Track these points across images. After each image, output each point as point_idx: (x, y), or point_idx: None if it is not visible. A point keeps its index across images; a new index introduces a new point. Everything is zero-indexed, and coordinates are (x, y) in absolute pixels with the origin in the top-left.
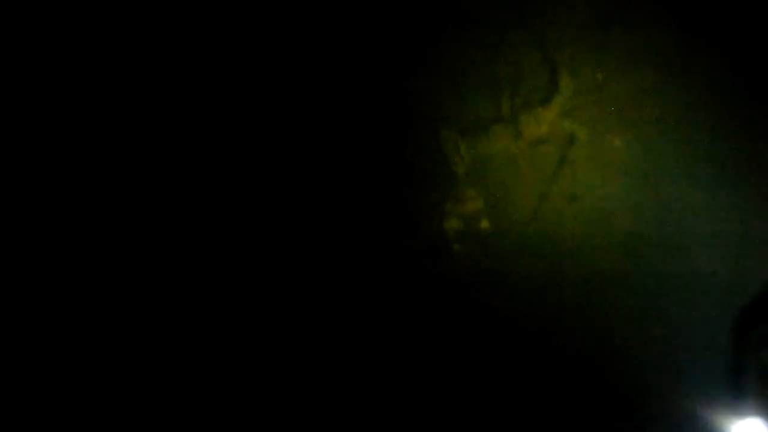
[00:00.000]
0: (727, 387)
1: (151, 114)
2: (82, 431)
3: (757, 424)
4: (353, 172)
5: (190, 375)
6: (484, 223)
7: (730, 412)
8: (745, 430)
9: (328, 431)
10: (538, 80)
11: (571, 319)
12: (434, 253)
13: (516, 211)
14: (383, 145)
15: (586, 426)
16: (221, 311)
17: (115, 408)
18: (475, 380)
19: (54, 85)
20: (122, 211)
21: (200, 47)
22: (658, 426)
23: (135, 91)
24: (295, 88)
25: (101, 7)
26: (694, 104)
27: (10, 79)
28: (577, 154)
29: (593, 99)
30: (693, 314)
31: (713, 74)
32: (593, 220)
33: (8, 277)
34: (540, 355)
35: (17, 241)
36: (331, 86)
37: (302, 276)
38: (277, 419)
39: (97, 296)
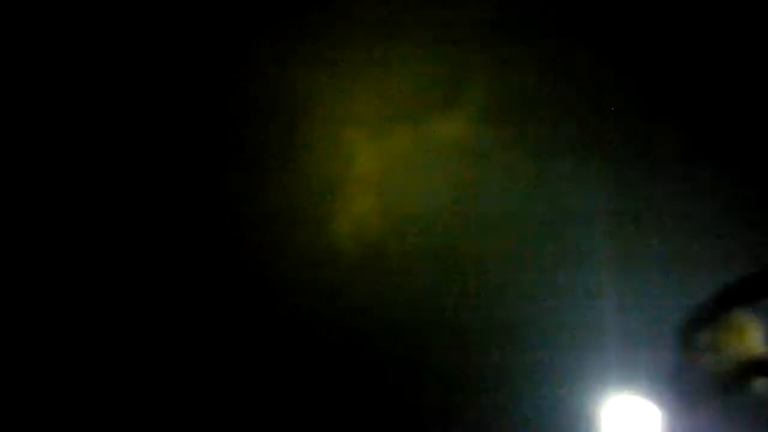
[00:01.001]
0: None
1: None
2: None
3: (631, 400)
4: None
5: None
6: (374, 226)
7: (605, 388)
8: (619, 405)
9: None
10: (448, 84)
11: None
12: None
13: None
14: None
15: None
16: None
17: (114, 408)
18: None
19: (46, 86)
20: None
21: None
22: (537, 402)
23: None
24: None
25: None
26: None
27: (10, 79)
28: (479, 163)
29: (502, 108)
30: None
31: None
32: (487, 229)
33: (8, 277)
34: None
35: (17, 242)
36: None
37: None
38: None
39: (95, 296)
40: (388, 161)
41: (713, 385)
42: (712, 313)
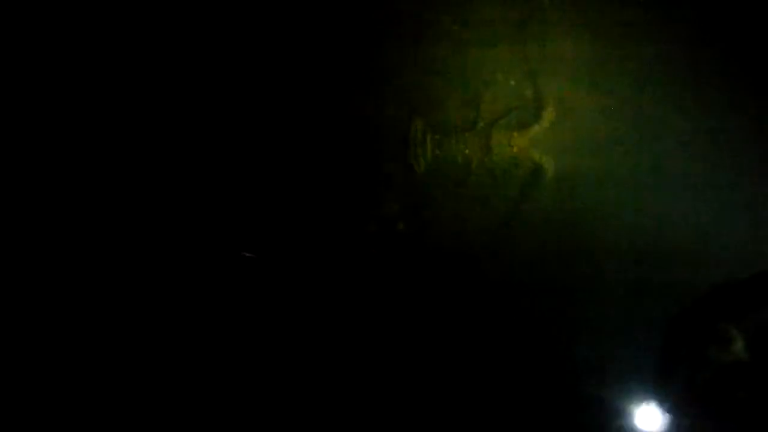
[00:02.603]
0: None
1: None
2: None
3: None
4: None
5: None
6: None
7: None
8: (644, 417)
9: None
10: (521, 102)
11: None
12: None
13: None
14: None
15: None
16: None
17: (113, 408)
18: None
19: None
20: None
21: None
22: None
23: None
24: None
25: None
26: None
27: (10, 80)
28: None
29: (570, 136)
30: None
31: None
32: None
33: (8, 277)
34: (465, 356)
35: (16, 241)
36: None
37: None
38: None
39: (95, 296)
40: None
41: (698, 395)
42: (698, 325)
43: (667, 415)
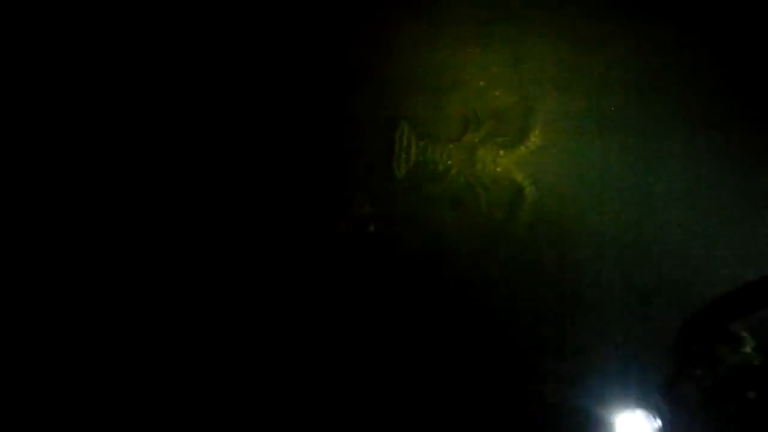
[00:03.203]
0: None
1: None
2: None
3: (641, 416)
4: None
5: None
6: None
7: (616, 405)
8: (629, 422)
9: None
10: (511, 122)
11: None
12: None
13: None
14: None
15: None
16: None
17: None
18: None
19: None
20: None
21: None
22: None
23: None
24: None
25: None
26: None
27: (9, 80)
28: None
29: (557, 161)
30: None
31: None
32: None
33: (7, 277)
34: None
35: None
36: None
37: None
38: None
39: (93, 296)
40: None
41: (708, 396)
42: (708, 326)
43: (665, 418)
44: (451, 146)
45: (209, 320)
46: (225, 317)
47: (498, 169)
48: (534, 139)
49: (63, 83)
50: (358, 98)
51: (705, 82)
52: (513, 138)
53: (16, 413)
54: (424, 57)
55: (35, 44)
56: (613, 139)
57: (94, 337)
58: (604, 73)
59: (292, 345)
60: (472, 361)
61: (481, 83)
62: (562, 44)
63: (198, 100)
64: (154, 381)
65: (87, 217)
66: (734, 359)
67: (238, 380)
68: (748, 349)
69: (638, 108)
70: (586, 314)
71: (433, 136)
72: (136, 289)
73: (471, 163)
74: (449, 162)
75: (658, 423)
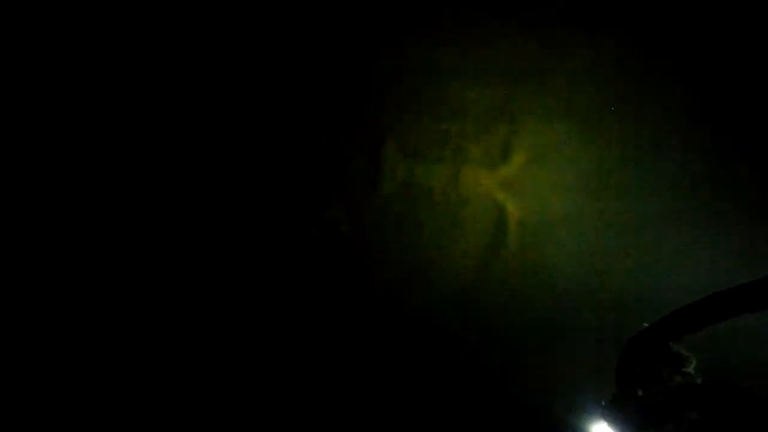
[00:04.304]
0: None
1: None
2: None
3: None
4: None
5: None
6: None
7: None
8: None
9: None
10: (495, 143)
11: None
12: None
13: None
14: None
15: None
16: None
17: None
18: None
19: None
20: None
21: None
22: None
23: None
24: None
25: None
26: None
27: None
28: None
29: (539, 183)
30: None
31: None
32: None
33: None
34: (419, 363)
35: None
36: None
37: None
38: None
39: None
40: None
41: (651, 416)
42: (650, 344)
43: None
44: (435, 165)
45: (183, 316)
46: (202, 312)
47: (481, 189)
48: (517, 160)
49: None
50: (347, 115)
51: (681, 119)
52: (496, 159)
53: (15, 413)
54: (413, 77)
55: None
56: (594, 162)
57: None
58: (588, 99)
59: (257, 338)
60: (443, 371)
61: (468, 105)
62: (549, 71)
63: (189, 104)
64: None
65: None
66: (676, 379)
67: (208, 375)
68: (689, 369)
69: (619, 134)
70: (555, 333)
71: (419, 154)
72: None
73: (454, 182)
74: (434, 182)
75: None
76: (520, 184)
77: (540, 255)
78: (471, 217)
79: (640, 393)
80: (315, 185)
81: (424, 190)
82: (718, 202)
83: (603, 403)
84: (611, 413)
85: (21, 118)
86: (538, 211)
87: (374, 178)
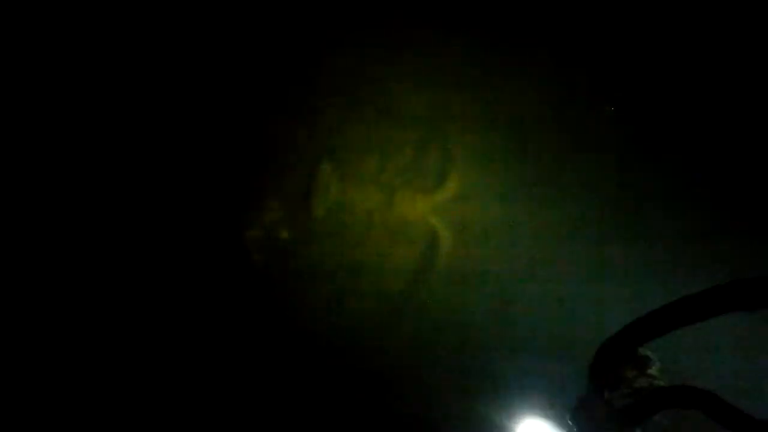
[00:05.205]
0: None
1: None
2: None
3: (539, 424)
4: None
5: None
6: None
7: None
8: (528, 429)
9: None
10: (431, 168)
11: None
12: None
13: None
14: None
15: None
16: None
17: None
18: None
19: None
20: None
21: None
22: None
23: None
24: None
25: None
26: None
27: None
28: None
29: (473, 210)
30: None
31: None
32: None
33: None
34: (333, 370)
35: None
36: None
37: None
38: None
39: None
40: None
41: (616, 418)
42: (617, 347)
43: None
44: (370, 188)
45: (111, 321)
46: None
47: (415, 214)
48: (452, 186)
49: None
50: (283, 133)
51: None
52: (432, 184)
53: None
54: (350, 98)
55: None
56: (529, 191)
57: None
58: (524, 127)
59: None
60: (365, 387)
61: (404, 128)
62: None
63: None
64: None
65: None
66: (641, 381)
67: (134, 382)
68: (654, 371)
69: (556, 162)
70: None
71: (354, 176)
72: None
73: (389, 205)
74: (368, 204)
75: None
76: (453, 210)
77: (472, 268)
78: (403, 241)
79: (607, 396)
80: (254, 190)
81: (358, 213)
82: (651, 212)
83: (571, 406)
84: (578, 417)
85: None
86: (471, 238)
87: (308, 191)
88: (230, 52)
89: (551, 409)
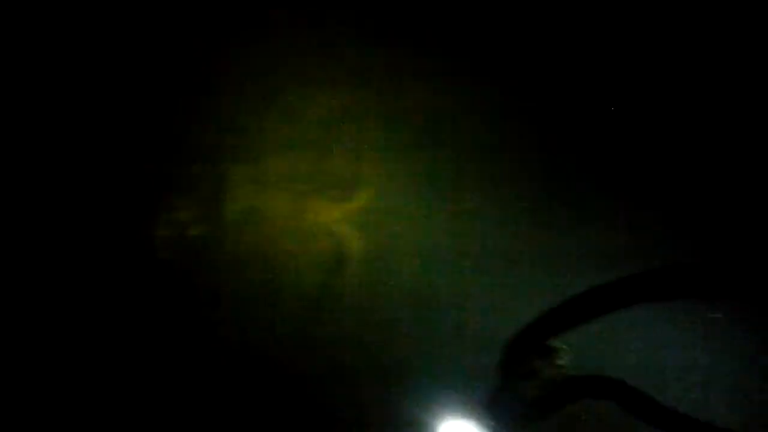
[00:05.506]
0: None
1: None
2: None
3: (464, 425)
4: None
5: None
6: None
7: (439, 412)
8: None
9: None
10: (343, 175)
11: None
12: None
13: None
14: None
15: None
16: None
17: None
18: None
19: None
20: None
21: None
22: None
23: None
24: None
25: None
26: None
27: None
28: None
29: (385, 219)
30: None
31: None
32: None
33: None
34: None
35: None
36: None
37: None
38: None
39: None
40: None
41: (529, 409)
42: (527, 340)
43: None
44: (281, 193)
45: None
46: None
47: (326, 221)
48: (365, 195)
49: None
50: (190, 134)
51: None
52: (344, 191)
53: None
54: (263, 100)
55: None
56: (443, 201)
57: None
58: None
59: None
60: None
61: (317, 134)
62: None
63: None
64: None
65: None
66: (550, 372)
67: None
68: (563, 362)
69: (469, 172)
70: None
71: (265, 180)
72: None
73: (300, 212)
74: (277, 210)
75: None
76: (365, 220)
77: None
78: (313, 248)
79: (519, 389)
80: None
81: (267, 219)
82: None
83: (485, 399)
84: (494, 411)
85: None
86: (382, 248)
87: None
88: (135, 53)
89: (474, 405)
